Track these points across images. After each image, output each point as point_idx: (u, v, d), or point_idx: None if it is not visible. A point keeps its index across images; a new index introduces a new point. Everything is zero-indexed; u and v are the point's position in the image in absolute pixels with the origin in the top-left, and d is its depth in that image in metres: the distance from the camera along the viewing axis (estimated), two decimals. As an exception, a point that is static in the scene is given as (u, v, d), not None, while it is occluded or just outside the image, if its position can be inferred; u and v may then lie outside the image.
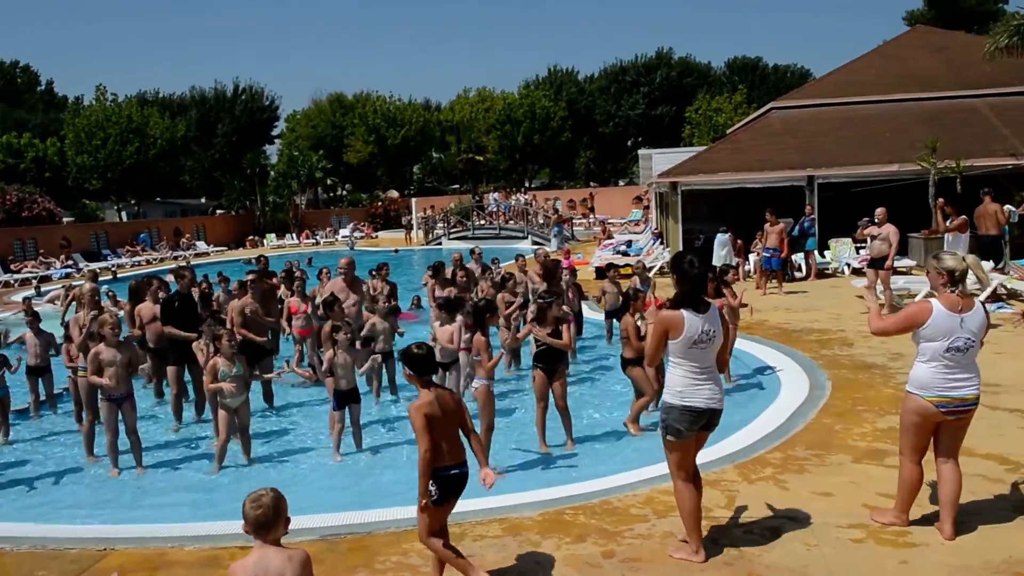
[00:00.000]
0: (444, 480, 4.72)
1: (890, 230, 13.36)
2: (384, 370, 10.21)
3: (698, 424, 4.90)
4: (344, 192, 63.82)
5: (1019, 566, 4.68)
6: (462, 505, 6.05)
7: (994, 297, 13.45)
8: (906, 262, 17.72)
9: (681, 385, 4.85)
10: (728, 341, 9.45)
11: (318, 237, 44.97)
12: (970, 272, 13.70)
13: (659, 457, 6.97)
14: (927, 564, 4.78)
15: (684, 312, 4.80)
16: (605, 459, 7.56)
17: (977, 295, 13.31)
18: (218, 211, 56.08)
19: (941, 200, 13.02)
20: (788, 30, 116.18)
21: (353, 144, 57.18)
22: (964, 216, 12.33)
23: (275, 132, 62.00)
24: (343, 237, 43.58)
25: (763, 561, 4.93)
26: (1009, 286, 13.45)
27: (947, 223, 14.39)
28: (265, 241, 44.54)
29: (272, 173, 53.96)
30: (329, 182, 57.46)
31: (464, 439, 4.87)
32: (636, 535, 5.44)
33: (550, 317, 7.84)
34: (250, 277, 10.96)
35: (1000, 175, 18.33)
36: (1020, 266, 13.67)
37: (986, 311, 5.09)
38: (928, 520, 5.32)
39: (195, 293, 10.80)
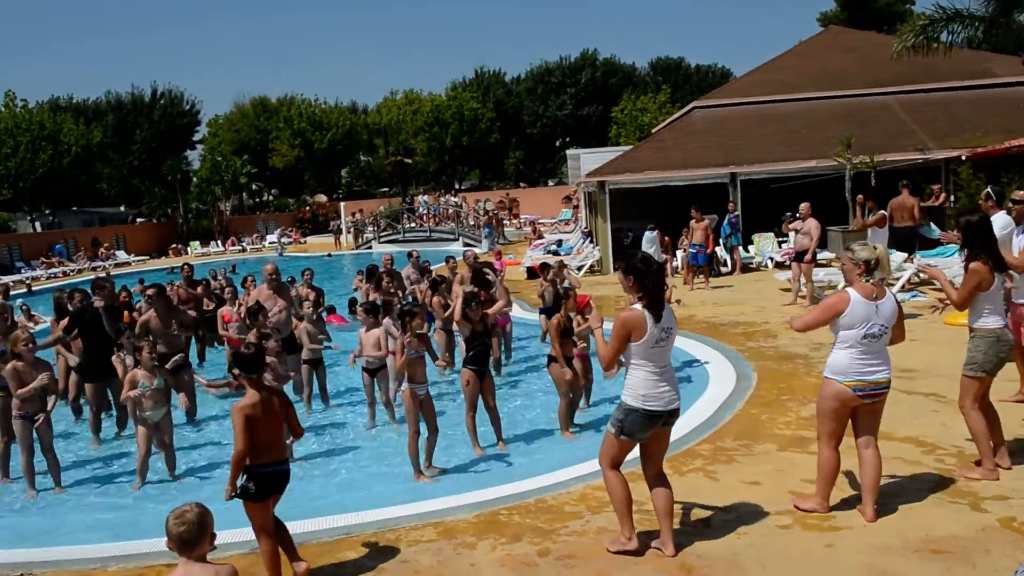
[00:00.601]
0: (261, 477, 4.92)
1: (812, 224, 13.77)
2: (315, 378, 10.04)
3: (655, 425, 4.89)
4: (270, 197, 62.72)
5: (936, 543, 4.87)
6: (395, 511, 6.05)
7: (909, 286, 14.01)
8: (826, 255, 18.28)
9: (644, 388, 4.81)
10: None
11: (244, 244, 44.08)
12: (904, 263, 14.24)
13: (593, 454, 7.04)
14: (850, 546, 4.93)
15: (645, 312, 4.76)
16: (539, 458, 7.58)
17: (892, 284, 13.83)
18: (138, 219, 54.44)
19: (860, 196, 13.47)
20: (709, 31, 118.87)
21: (278, 148, 56.22)
22: (883, 211, 12.82)
23: (197, 137, 60.50)
24: (271, 243, 42.80)
25: (695, 552, 5.01)
26: (922, 276, 14.00)
27: (866, 218, 14.90)
28: (189, 249, 43.41)
29: (194, 179, 52.57)
30: (254, 187, 56.43)
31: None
32: (571, 532, 5.47)
33: (475, 317, 7.86)
34: (151, 291, 10.45)
35: (911, 169, 19.08)
36: (925, 262, 14.27)
37: (897, 300, 5.28)
38: (850, 504, 5.49)
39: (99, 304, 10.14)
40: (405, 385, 7.23)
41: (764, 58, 29.83)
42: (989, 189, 8.00)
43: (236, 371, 5.06)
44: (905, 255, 14.62)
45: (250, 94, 76.65)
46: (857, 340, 5.09)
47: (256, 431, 4.88)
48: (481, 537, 5.49)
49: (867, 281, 5.12)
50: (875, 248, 5.23)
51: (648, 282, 4.80)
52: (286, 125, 56.55)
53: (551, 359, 8.26)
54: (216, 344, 13.93)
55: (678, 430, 7.42)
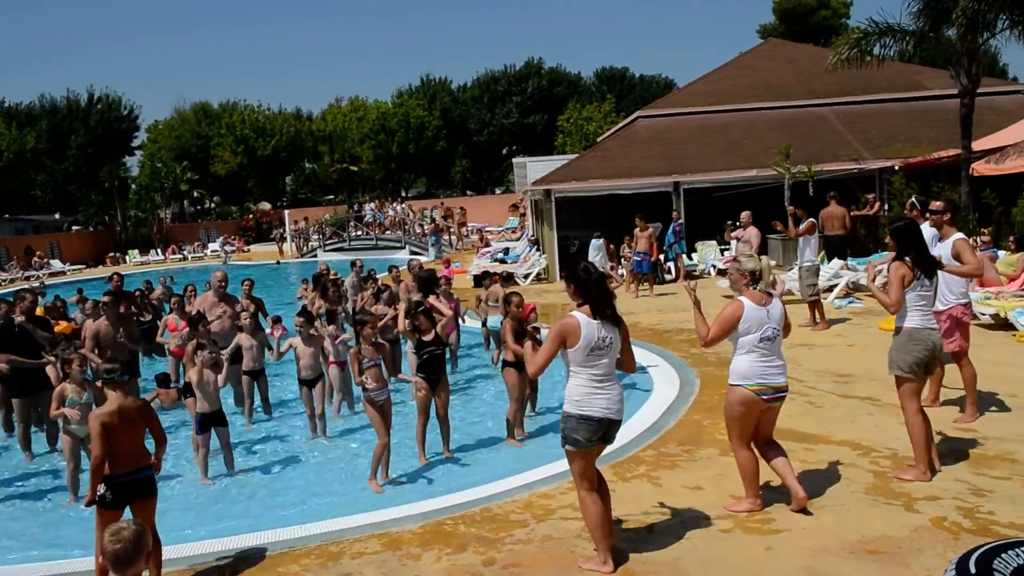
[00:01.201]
0: (118, 486, 5.01)
1: (752, 233, 14.06)
2: (256, 389, 9.86)
3: (598, 433, 4.84)
4: (212, 205, 61.50)
5: (871, 544, 5.00)
6: (338, 523, 5.98)
7: (844, 292, 14.40)
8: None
9: (579, 394, 4.83)
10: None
11: (185, 252, 43.14)
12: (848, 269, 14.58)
13: (538, 462, 7.08)
14: (790, 549, 5.03)
15: (580, 319, 4.77)
16: (485, 466, 7.58)
17: (830, 291, 14.18)
18: (74, 227, 52.82)
19: (792, 208, 13.83)
20: (653, 42, 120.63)
21: (220, 155, 55.19)
22: (811, 219, 13.19)
23: (135, 143, 59.05)
24: (213, 251, 42.00)
25: (639, 557, 5.05)
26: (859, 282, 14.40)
27: (797, 227, 15.30)
28: (127, 258, 42.30)
29: (133, 186, 51.32)
30: (196, 194, 55.23)
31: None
32: (516, 541, 5.47)
33: (423, 326, 7.83)
34: (105, 298, 10.29)
35: (847, 179, 19.64)
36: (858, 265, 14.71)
37: (782, 303, 5.59)
38: (788, 506, 5.59)
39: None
40: (361, 394, 7.22)
41: (706, 69, 30.37)
42: (914, 199, 8.31)
43: (99, 381, 5.20)
44: (841, 262, 15.04)
45: (191, 99, 75.10)
46: (754, 344, 5.36)
47: (114, 439, 4.99)
48: (426, 548, 5.46)
49: (754, 289, 5.44)
50: (760, 259, 5.57)
51: (591, 290, 4.84)
52: (228, 131, 55.56)
53: (506, 364, 8.25)
54: (153, 355, 13.63)
55: (622, 436, 7.51)
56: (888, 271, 6.09)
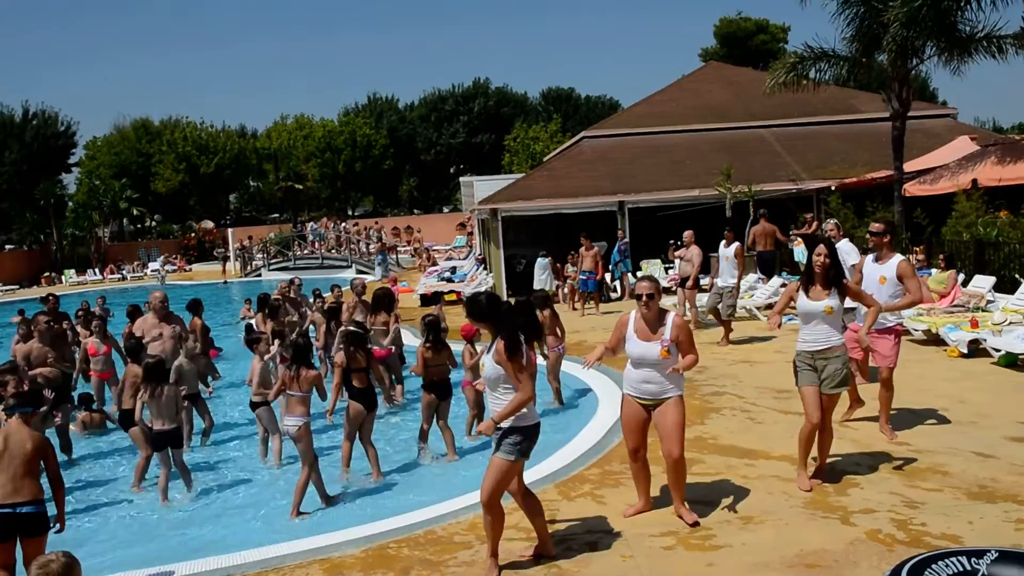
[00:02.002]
0: None
1: (694, 252, 14.29)
2: (196, 413, 9.63)
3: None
4: (153, 223, 60.24)
5: (809, 557, 5.08)
6: (279, 549, 5.87)
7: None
8: (707, 280, 18.97)
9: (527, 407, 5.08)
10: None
11: (124, 272, 42.14)
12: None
13: (479, 484, 7.01)
14: (730, 564, 5.09)
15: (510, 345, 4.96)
16: (428, 488, 7.51)
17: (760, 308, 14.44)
18: (8, 246, 51.20)
19: (728, 230, 14.18)
20: (599, 64, 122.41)
21: (162, 172, 54.18)
22: (738, 243, 13.62)
23: (73, 160, 57.50)
24: (153, 271, 41.07)
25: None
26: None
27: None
28: (64, 278, 41.17)
29: (70, 204, 49.96)
30: (136, 212, 53.98)
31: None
32: (460, 563, 5.43)
33: (354, 356, 7.84)
34: (42, 319, 10.02)
35: (786, 198, 20.13)
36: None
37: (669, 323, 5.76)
38: (729, 522, 5.67)
39: None
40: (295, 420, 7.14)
41: (650, 91, 30.97)
42: (835, 221, 8.75)
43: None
44: (780, 279, 15.44)
45: (131, 116, 73.49)
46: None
47: None
48: (369, 572, 5.38)
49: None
50: (654, 277, 5.95)
51: (506, 325, 5.02)
52: (170, 148, 54.60)
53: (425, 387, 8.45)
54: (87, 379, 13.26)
55: (567, 455, 7.59)
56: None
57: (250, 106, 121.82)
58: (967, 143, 18.34)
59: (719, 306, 12.78)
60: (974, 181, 15.01)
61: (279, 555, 5.75)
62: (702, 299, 14.95)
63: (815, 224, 19.37)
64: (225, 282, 35.38)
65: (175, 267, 42.78)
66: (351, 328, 9.02)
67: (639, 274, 20.56)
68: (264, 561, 5.66)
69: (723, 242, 13.05)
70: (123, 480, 8.56)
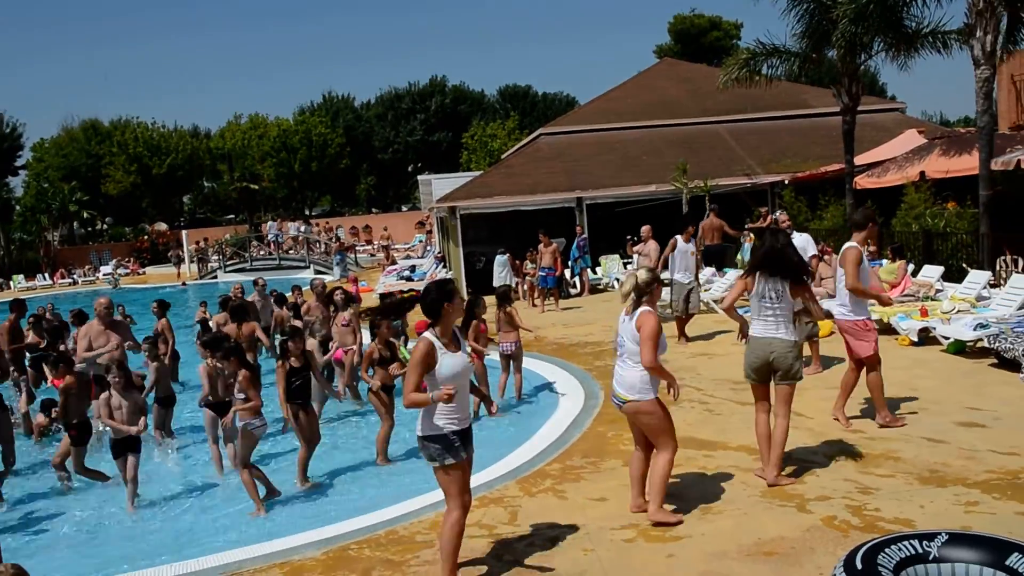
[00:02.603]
0: None
1: (652, 247, 14.43)
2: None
3: (470, 442, 4.98)
4: (104, 226, 58.99)
5: (767, 546, 5.16)
6: (238, 553, 5.79)
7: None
8: (666, 275, 19.13)
9: (439, 414, 4.83)
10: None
11: (75, 276, 41.19)
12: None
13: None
14: (689, 555, 5.14)
15: (435, 340, 4.78)
16: (390, 488, 7.47)
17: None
18: (-48, 252, 49.77)
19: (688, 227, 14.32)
20: (555, 61, 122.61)
21: (112, 174, 53.06)
22: (676, 236, 13.76)
23: (19, 162, 56.07)
24: (105, 275, 40.23)
25: (544, 570, 5.07)
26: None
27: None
28: (12, 283, 40.10)
29: (18, 207, 48.68)
30: (86, 215, 52.83)
31: None
32: (422, 562, 5.41)
33: (294, 349, 7.78)
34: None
35: (741, 192, 20.41)
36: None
37: (635, 323, 5.57)
38: (688, 512, 5.73)
39: None
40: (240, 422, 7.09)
41: (606, 87, 31.11)
42: (782, 213, 8.80)
43: None
44: (714, 269, 15.76)
45: (80, 116, 71.86)
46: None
47: None
48: (330, 574, 5.34)
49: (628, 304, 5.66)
50: (629, 278, 5.74)
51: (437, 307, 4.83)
52: (120, 150, 53.49)
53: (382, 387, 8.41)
54: (43, 382, 12.97)
55: (528, 451, 7.60)
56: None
57: (203, 106, 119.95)
58: (915, 136, 18.76)
59: (680, 300, 12.69)
60: (922, 173, 15.35)
61: (238, 559, 5.67)
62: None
63: (769, 217, 19.67)
64: (183, 284, 34.96)
65: (128, 270, 41.95)
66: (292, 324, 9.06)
67: (598, 270, 20.73)
68: (223, 566, 5.58)
69: (681, 237, 12.99)
70: (78, 487, 8.39)
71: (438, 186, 26.97)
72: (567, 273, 19.37)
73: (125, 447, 7.55)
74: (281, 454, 8.95)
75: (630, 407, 5.58)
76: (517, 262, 19.79)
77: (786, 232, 6.77)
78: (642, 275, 5.64)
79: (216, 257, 37.98)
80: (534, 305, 17.74)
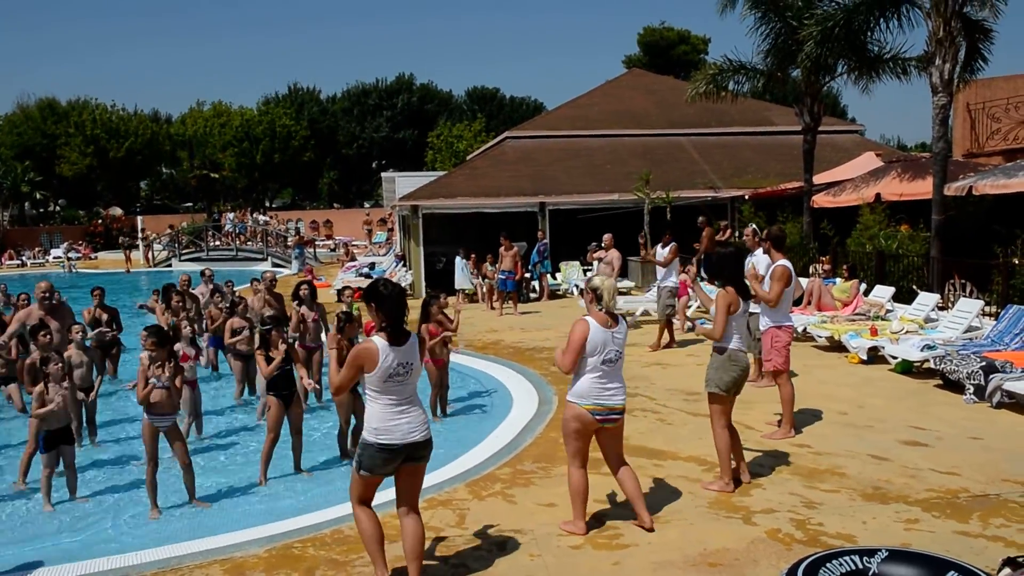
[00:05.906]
0: None
1: (613, 255, 14.49)
2: (83, 408, 9.12)
3: (396, 462, 4.73)
4: (57, 208, 57.60)
5: (712, 556, 5.19)
6: (178, 548, 5.67)
7: (699, 313, 15.05)
8: (626, 283, 19.28)
9: (377, 421, 4.66)
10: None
11: (24, 258, 40.15)
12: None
13: (389, 482, 6.95)
14: (636, 563, 5.16)
15: (379, 344, 4.61)
16: (337, 486, 7.36)
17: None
18: None
19: (642, 234, 14.43)
20: (524, 65, 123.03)
21: (68, 155, 51.88)
22: (675, 243, 13.81)
23: (-30, 140, 54.58)
24: (56, 258, 39.24)
25: (489, 575, 5.05)
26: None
27: (648, 250, 16.00)
28: (-43, 263, 38.97)
29: (-34, 186, 47.35)
30: (38, 196, 51.55)
31: None
32: (367, 563, 5.31)
33: (274, 341, 7.63)
34: None
35: (702, 205, 20.62)
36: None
37: (627, 328, 5.71)
38: (636, 521, 5.75)
39: None
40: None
41: (574, 94, 31.27)
42: (754, 226, 8.87)
43: None
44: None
45: (36, 95, 70.01)
46: (597, 365, 5.40)
47: None
48: (272, 572, 5.24)
49: (600, 310, 5.47)
50: (605, 280, 5.61)
51: (386, 308, 4.69)
52: (77, 131, 52.32)
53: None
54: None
55: (479, 454, 7.55)
56: (716, 299, 6.40)
57: (165, 90, 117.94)
58: (872, 159, 19.16)
59: (655, 309, 12.78)
60: (877, 195, 15.67)
61: (178, 555, 5.55)
62: (618, 301, 15.19)
63: (728, 231, 19.90)
64: (128, 271, 34.10)
65: (80, 254, 40.99)
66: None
67: (558, 275, 20.77)
68: (162, 561, 5.45)
69: (659, 244, 13.02)
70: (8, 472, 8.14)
71: (402, 184, 26.83)
72: (527, 276, 19.39)
73: (60, 439, 7.32)
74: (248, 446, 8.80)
75: (622, 418, 5.59)
76: (477, 262, 19.78)
77: (731, 243, 6.95)
78: (610, 281, 5.61)
79: (171, 244, 37.29)
80: (492, 308, 17.73)
